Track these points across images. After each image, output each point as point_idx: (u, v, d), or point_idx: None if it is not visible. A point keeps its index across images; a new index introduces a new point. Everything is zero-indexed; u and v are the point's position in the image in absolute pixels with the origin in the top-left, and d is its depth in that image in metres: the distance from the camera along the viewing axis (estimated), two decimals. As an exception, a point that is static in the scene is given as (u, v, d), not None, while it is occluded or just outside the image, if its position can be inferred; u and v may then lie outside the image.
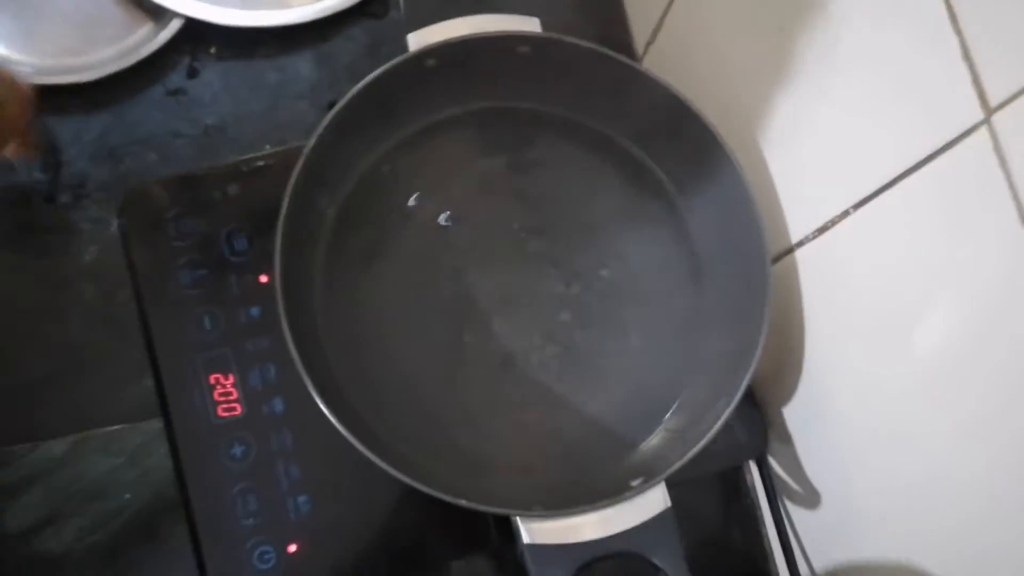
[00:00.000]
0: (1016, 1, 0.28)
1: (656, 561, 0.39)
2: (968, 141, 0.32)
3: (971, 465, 0.35)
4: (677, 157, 0.48)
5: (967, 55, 0.31)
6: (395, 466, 0.39)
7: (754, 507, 0.55)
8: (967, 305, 0.34)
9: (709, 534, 0.56)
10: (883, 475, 0.42)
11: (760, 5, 0.43)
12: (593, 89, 0.47)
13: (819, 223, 0.43)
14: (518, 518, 0.40)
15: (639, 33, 0.60)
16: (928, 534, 0.39)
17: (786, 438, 0.50)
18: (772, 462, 0.52)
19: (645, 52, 0.59)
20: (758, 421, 0.51)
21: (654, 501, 0.41)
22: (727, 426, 0.48)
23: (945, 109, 0.32)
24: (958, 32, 0.31)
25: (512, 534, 0.40)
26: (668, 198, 0.49)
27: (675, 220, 0.49)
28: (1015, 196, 0.30)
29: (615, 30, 0.61)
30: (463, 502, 0.39)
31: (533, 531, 0.40)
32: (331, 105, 0.44)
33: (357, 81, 0.44)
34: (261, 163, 0.51)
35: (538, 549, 0.39)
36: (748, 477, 0.55)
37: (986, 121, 0.31)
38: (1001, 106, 0.30)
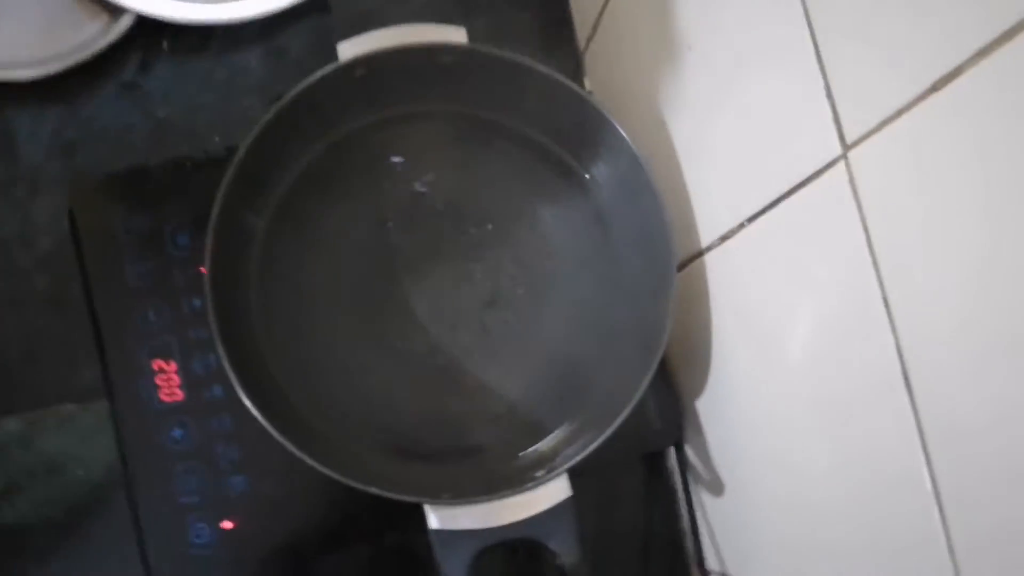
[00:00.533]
0: (876, 48, 0.30)
1: (553, 547, 0.43)
2: (829, 173, 0.34)
3: (831, 457, 0.38)
4: (596, 160, 0.50)
5: (830, 93, 0.33)
6: (312, 455, 0.42)
7: (673, 490, 0.58)
8: (822, 320, 0.36)
9: (632, 512, 0.59)
10: (765, 466, 0.45)
11: (675, 22, 0.45)
12: (516, 95, 0.49)
13: (721, 231, 0.45)
14: (426, 504, 0.43)
15: (582, 28, 0.61)
16: (801, 517, 0.42)
17: (699, 428, 0.53)
18: (688, 449, 0.55)
19: (586, 48, 0.61)
20: (674, 410, 0.54)
21: (556, 491, 0.44)
22: (643, 415, 0.52)
23: (811, 142, 0.35)
24: (823, 71, 0.33)
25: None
26: (588, 195, 0.52)
27: (595, 218, 0.52)
28: (864, 226, 0.33)
29: (559, 27, 0.63)
30: (373, 490, 0.42)
31: (440, 517, 0.43)
32: (278, 99, 0.46)
33: (306, 75, 0.46)
34: (205, 159, 0.53)
35: (444, 534, 0.43)
36: (669, 461, 0.59)
37: (843, 156, 0.33)
38: (856, 143, 0.32)
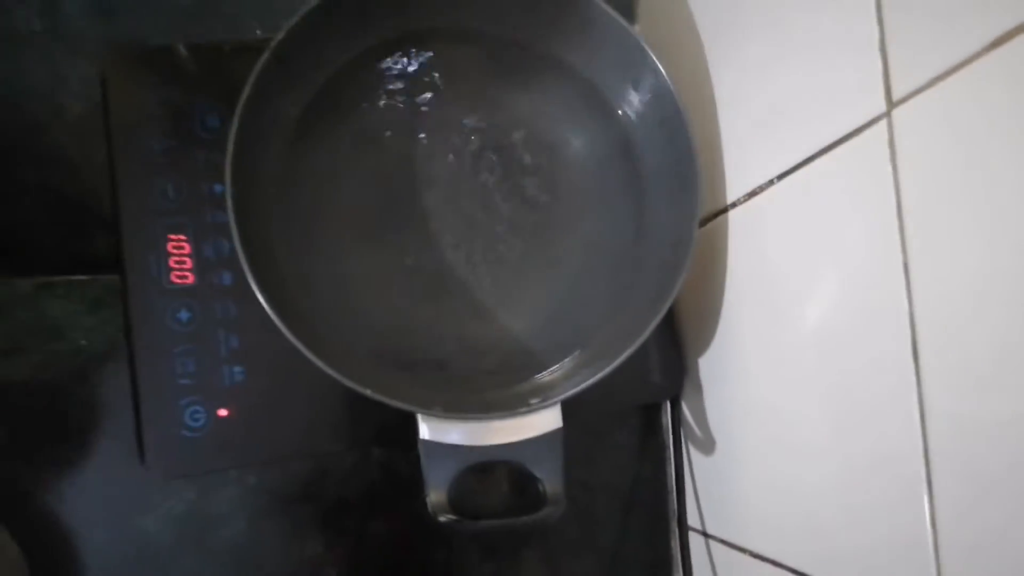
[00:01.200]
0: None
1: (537, 473, 0.43)
2: (869, 131, 0.33)
3: (829, 434, 0.38)
4: (634, 98, 0.49)
5: (883, 45, 0.32)
6: (312, 350, 0.42)
7: (664, 444, 0.59)
8: (843, 286, 0.36)
9: (624, 461, 0.59)
10: (760, 434, 0.45)
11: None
12: (559, 20, 0.48)
13: (749, 187, 0.44)
14: (419, 414, 0.43)
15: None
16: (790, 489, 0.42)
17: (698, 386, 0.53)
18: (684, 406, 0.55)
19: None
20: (676, 365, 0.54)
21: (547, 420, 0.44)
22: (645, 365, 0.52)
23: (855, 97, 0.34)
24: (880, 20, 0.32)
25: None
26: (620, 132, 0.51)
27: (625, 157, 0.51)
28: (897, 190, 0.32)
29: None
30: (368, 392, 0.42)
31: (431, 428, 0.43)
32: None
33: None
34: (245, 46, 0.53)
35: (432, 445, 0.43)
36: (664, 417, 0.59)
37: (887, 114, 0.32)
38: (902, 100, 0.31)
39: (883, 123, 0.32)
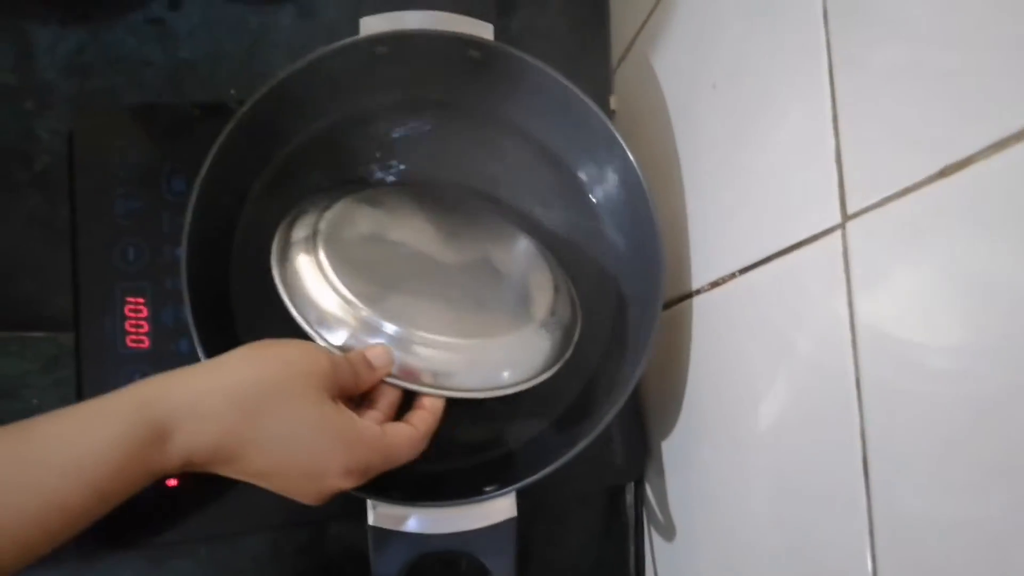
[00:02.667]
0: (892, 123, 0.29)
1: (488, 564, 0.42)
2: (824, 240, 0.33)
3: (781, 533, 0.37)
4: (604, 180, 0.49)
5: (839, 159, 0.32)
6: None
7: (627, 527, 0.57)
8: (793, 393, 0.35)
9: (586, 542, 0.58)
10: (718, 525, 0.44)
11: (705, 59, 0.44)
12: (534, 99, 0.48)
13: (713, 277, 0.44)
14: (368, 500, 0.42)
15: (617, 47, 0.60)
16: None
17: (661, 469, 0.52)
18: (647, 489, 0.54)
19: (618, 66, 0.60)
20: (638, 448, 0.53)
21: (502, 509, 0.43)
22: (608, 447, 0.51)
23: (812, 205, 0.33)
24: (836, 136, 0.32)
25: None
26: (591, 212, 0.51)
27: (593, 237, 0.51)
28: (850, 301, 0.31)
29: (596, 40, 0.62)
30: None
31: (380, 515, 0.42)
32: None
33: (334, 40, 0.45)
34: (215, 108, 0.52)
35: (381, 533, 0.42)
36: (628, 498, 0.57)
37: (841, 226, 0.32)
38: (856, 215, 0.31)
39: (838, 234, 0.32)
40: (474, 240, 0.49)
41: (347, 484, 0.37)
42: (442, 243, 0.48)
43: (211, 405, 0.35)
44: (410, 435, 0.39)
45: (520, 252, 0.49)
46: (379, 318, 0.41)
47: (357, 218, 0.46)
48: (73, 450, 0.33)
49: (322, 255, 0.43)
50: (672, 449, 0.50)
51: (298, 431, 0.36)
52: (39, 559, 0.33)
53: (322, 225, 0.44)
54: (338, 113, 0.49)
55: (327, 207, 0.45)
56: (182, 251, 0.43)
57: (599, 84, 0.60)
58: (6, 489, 0.31)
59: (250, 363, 0.37)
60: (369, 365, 0.40)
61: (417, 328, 0.41)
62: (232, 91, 0.57)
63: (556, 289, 0.47)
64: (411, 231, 0.48)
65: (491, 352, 0.43)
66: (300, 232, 0.44)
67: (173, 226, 0.50)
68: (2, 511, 0.31)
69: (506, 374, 0.43)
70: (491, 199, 0.51)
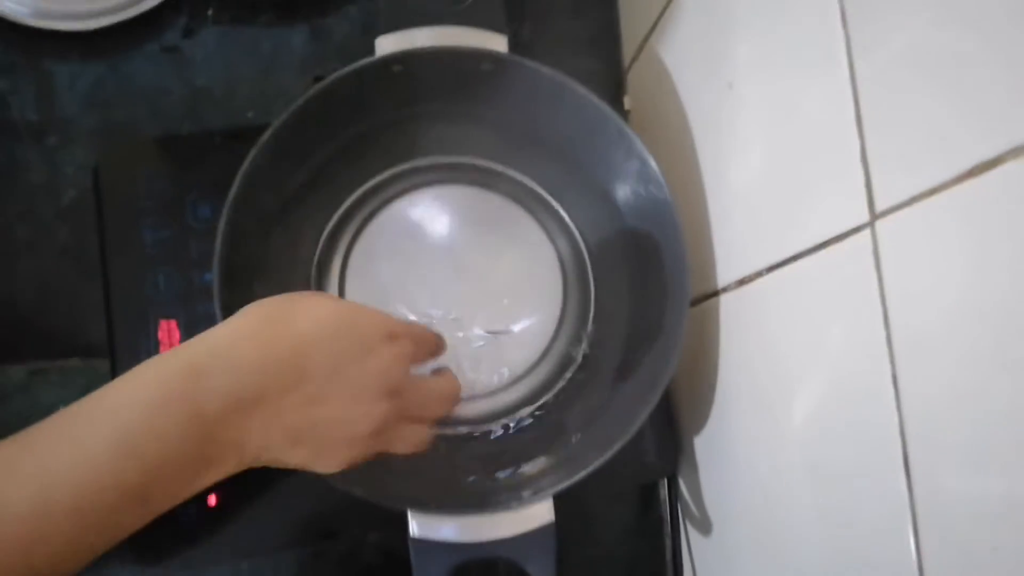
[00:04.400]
0: (918, 122, 0.29)
1: (528, 570, 0.42)
2: (853, 238, 0.33)
3: (819, 525, 0.38)
4: (623, 183, 0.50)
5: (864, 158, 0.32)
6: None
7: (662, 521, 0.58)
8: (828, 387, 0.36)
9: (619, 541, 0.58)
10: (754, 517, 0.44)
11: (720, 57, 0.44)
12: (551, 108, 0.49)
13: (740, 275, 0.44)
14: (409, 511, 0.42)
15: (628, 47, 0.60)
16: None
17: (695, 465, 0.52)
18: (681, 484, 0.55)
19: (630, 67, 0.60)
20: (671, 445, 0.53)
21: (539, 514, 0.43)
22: (640, 446, 0.51)
23: (839, 204, 0.34)
24: (860, 135, 0.32)
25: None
26: (613, 216, 0.51)
27: (616, 240, 0.51)
28: (883, 299, 0.32)
29: (606, 42, 0.62)
30: (357, 491, 0.41)
31: (421, 526, 0.43)
32: (317, 80, 0.46)
33: (348, 61, 0.46)
34: (236, 132, 0.53)
35: (423, 543, 0.42)
36: (662, 493, 0.58)
37: (870, 224, 0.32)
38: (885, 213, 0.31)
39: (867, 232, 0.32)
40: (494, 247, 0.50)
41: (382, 411, 0.35)
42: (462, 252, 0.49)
43: (243, 349, 0.34)
44: (444, 383, 0.40)
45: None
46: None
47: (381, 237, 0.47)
48: (105, 402, 0.32)
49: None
50: (705, 444, 0.51)
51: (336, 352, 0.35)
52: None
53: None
54: (357, 129, 0.49)
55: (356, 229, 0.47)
56: (213, 275, 0.43)
57: (612, 85, 0.61)
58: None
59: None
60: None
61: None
62: (249, 114, 0.58)
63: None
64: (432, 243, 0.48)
65: None
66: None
67: (200, 252, 0.51)
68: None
69: None
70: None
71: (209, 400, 0.32)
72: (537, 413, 0.51)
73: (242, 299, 0.45)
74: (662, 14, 0.52)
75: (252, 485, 0.50)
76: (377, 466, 0.47)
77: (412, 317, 0.50)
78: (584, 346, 0.52)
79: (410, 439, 0.38)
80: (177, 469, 0.32)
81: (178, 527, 0.50)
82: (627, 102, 0.61)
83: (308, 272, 0.49)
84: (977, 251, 0.26)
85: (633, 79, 0.60)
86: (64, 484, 0.30)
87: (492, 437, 0.50)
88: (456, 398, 0.40)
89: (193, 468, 0.33)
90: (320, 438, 0.35)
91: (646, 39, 0.56)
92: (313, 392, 0.34)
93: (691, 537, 0.54)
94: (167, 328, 0.51)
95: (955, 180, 0.27)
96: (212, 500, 0.50)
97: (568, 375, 0.52)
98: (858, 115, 0.32)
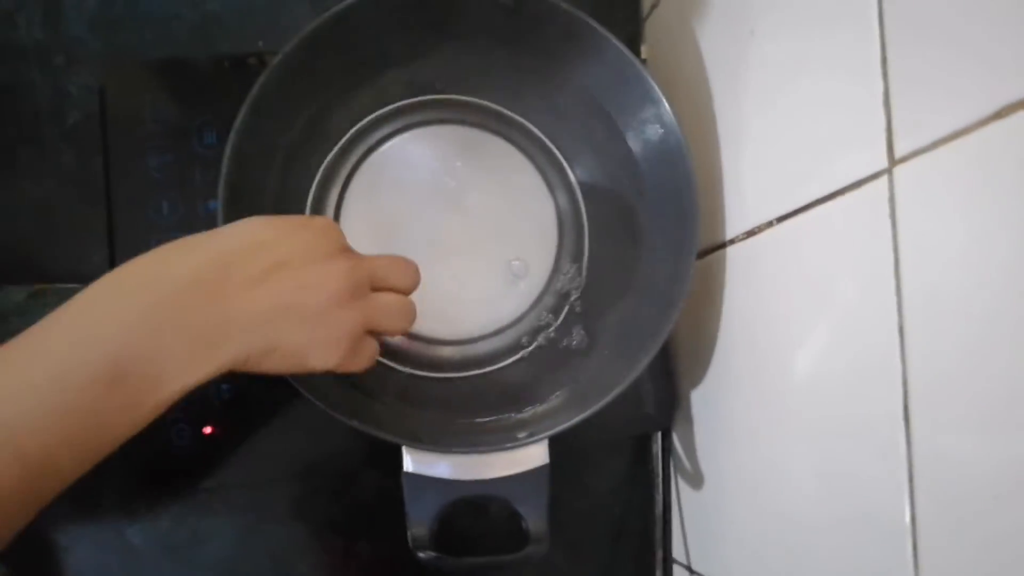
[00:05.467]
0: (945, 63, 0.29)
1: (521, 510, 0.42)
2: (870, 185, 0.32)
3: (816, 480, 0.37)
4: (638, 127, 0.49)
5: (887, 101, 0.32)
6: (299, 379, 0.41)
7: (654, 474, 0.58)
8: (835, 339, 0.35)
9: (610, 492, 0.59)
10: (749, 472, 0.44)
11: (738, 5, 0.43)
12: (568, 47, 0.48)
13: (748, 227, 0.44)
14: (404, 446, 0.42)
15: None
16: (775, 530, 0.42)
17: (690, 418, 0.52)
18: (675, 438, 0.54)
19: (649, 14, 0.59)
20: (669, 397, 0.53)
21: (534, 456, 0.43)
22: (638, 396, 0.51)
23: (857, 150, 0.33)
24: (885, 77, 0.32)
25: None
26: (625, 159, 0.50)
27: (627, 185, 0.51)
28: (895, 248, 0.31)
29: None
30: (355, 423, 0.41)
31: (416, 461, 0.42)
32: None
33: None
34: (246, 61, 0.52)
35: (417, 478, 0.42)
36: (655, 446, 0.58)
37: (888, 171, 0.31)
38: (904, 159, 0.31)
39: (884, 179, 0.32)
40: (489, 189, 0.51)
41: (352, 314, 0.35)
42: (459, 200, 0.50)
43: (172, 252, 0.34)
44: (402, 299, 0.39)
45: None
46: None
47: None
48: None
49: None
50: (702, 399, 0.51)
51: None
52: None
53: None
54: (369, 61, 0.48)
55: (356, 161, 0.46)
56: (218, 202, 0.43)
57: (630, 33, 0.59)
58: None
59: None
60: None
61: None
62: (260, 43, 0.57)
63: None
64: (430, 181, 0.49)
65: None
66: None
67: (205, 179, 0.50)
68: None
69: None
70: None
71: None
72: (536, 351, 0.50)
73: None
74: (685, -39, 0.51)
75: (248, 416, 0.50)
76: (373, 399, 0.47)
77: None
78: (578, 288, 0.51)
79: (367, 352, 0.38)
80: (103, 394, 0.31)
81: (172, 453, 0.50)
82: (644, 51, 0.59)
83: (304, 204, 0.49)
84: (995, 199, 0.26)
85: (650, 28, 0.59)
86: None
87: (487, 376, 0.50)
88: (413, 315, 0.40)
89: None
90: (293, 328, 0.34)
91: (666, -14, 0.55)
92: (283, 275, 0.34)
93: (682, 492, 0.54)
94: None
95: (980, 123, 0.26)
96: (208, 429, 0.50)
97: (560, 319, 0.51)
98: (883, 56, 0.32)
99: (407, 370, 0.50)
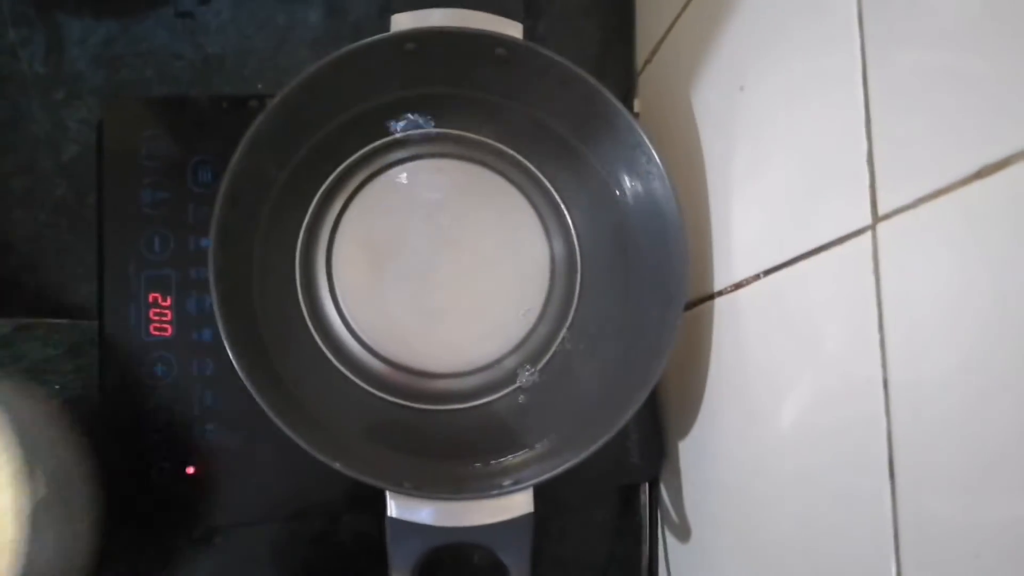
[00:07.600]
0: (927, 123, 0.29)
1: (504, 559, 0.42)
2: (853, 242, 0.33)
3: (801, 539, 0.37)
4: (629, 179, 0.49)
5: (871, 160, 0.32)
6: (285, 420, 0.41)
7: (640, 525, 0.57)
8: (818, 396, 0.35)
9: (596, 542, 0.58)
10: (735, 527, 0.44)
11: (732, 61, 0.44)
12: (561, 99, 0.48)
13: (736, 279, 0.44)
14: (388, 491, 0.42)
15: (642, 50, 0.60)
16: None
17: (677, 470, 0.52)
18: (663, 489, 0.54)
19: (643, 70, 0.60)
20: (656, 448, 0.53)
21: (519, 504, 0.43)
22: (624, 446, 0.51)
23: (841, 206, 0.34)
24: (869, 138, 0.32)
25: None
26: (614, 211, 0.51)
27: (616, 236, 0.51)
28: (879, 302, 0.32)
29: (620, 43, 0.62)
30: (337, 465, 0.41)
31: (399, 506, 0.42)
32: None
33: (361, 36, 0.46)
34: (246, 102, 0.53)
35: (400, 524, 0.42)
36: (643, 496, 0.57)
37: (871, 227, 0.32)
38: (887, 216, 0.31)
39: (868, 235, 0.32)
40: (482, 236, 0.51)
41: None
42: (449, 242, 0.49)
43: None
44: None
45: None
46: None
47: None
48: None
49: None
50: (689, 449, 0.51)
51: None
52: None
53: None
54: (365, 106, 0.49)
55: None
56: (210, 240, 0.43)
57: (624, 87, 0.61)
58: None
59: None
60: None
61: None
62: (259, 85, 0.58)
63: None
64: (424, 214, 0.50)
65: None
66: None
67: (198, 217, 0.51)
68: None
69: None
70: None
71: None
72: (521, 394, 0.50)
73: (237, 263, 0.45)
74: (677, 19, 0.52)
75: (231, 456, 0.50)
76: (363, 443, 0.47)
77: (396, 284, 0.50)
78: (565, 337, 0.51)
79: None
80: None
81: (154, 494, 0.49)
82: (637, 105, 0.61)
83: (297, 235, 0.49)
84: (976, 255, 0.26)
85: (644, 83, 0.60)
86: None
87: (471, 416, 0.50)
88: None
89: None
90: None
91: (660, 42, 0.56)
92: None
93: (669, 543, 0.54)
94: (156, 298, 0.50)
95: (960, 182, 0.27)
96: (190, 470, 0.49)
97: (543, 363, 0.51)
98: (868, 118, 0.32)
99: (390, 398, 0.49)
